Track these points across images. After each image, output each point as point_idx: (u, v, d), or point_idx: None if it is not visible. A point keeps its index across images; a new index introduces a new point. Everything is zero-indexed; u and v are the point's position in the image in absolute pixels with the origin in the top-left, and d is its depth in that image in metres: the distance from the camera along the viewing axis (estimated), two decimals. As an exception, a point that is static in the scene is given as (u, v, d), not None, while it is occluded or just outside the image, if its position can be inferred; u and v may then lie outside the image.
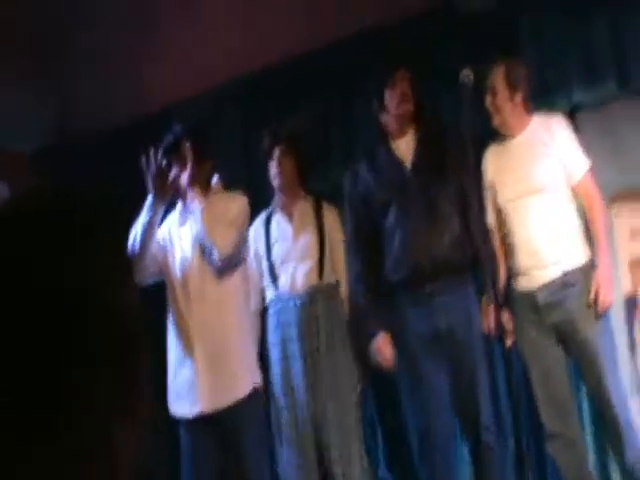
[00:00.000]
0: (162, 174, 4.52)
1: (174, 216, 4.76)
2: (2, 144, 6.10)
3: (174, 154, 4.57)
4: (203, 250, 4.59)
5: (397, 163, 5.04)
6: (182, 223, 4.71)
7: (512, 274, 5.04)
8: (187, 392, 4.60)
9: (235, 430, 4.57)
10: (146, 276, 4.55)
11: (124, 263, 1.18)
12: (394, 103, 4.99)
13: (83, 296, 1.06)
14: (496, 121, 5.03)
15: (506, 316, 4.93)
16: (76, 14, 5.74)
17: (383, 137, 5.11)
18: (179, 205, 4.73)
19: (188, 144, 4.56)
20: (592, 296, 4.77)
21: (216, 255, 4.54)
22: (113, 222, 1.17)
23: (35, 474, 1.00)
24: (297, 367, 5.19)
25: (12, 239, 1.08)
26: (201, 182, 4.66)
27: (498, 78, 4.99)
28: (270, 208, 5.45)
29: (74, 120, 6.39)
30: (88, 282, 1.07)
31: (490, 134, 5.11)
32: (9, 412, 1.01)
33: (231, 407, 4.56)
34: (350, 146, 5.92)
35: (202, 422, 4.56)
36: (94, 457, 1.04)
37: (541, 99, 5.21)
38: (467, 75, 4.47)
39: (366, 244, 5.06)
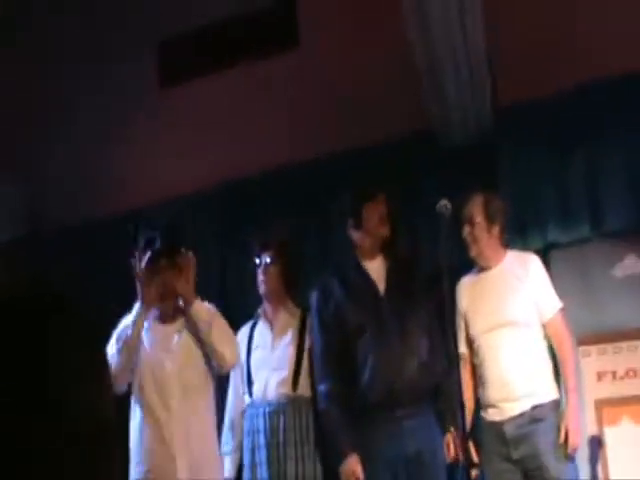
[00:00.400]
0: (152, 281, 4.53)
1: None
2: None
3: (165, 259, 4.58)
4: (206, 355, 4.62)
5: (370, 286, 5.06)
6: (161, 323, 4.71)
7: (482, 405, 5.02)
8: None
9: None
10: (124, 383, 4.51)
11: (100, 359, 1.16)
12: (373, 223, 5.05)
13: (58, 391, 1.05)
14: (473, 252, 5.08)
15: (472, 447, 4.90)
16: (47, 109, 5.77)
17: (354, 256, 5.14)
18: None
19: (191, 253, 4.61)
20: (562, 436, 4.75)
21: (226, 363, 4.63)
22: (90, 318, 1.16)
23: None
24: (263, 475, 5.10)
25: None
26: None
27: (477, 209, 5.04)
28: (255, 315, 5.42)
29: (44, 212, 6.38)
30: (63, 378, 1.06)
31: (465, 265, 5.18)
32: None
33: None
34: (323, 261, 5.95)
35: None
36: None
37: (516, 235, 5.30)
38: (444, 205, 4.51)
39: (337, 361, 5.02)
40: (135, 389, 4.60)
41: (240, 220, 6.01)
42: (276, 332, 5.32)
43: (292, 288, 5.39)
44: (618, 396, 5.33)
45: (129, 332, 4.48)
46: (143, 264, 4.48)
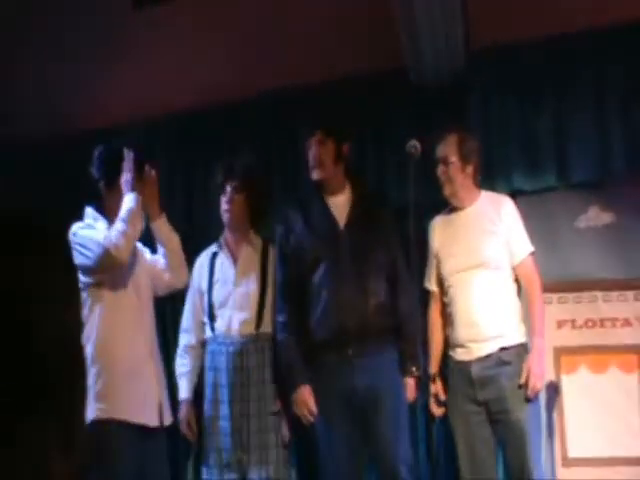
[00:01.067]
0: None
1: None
2: None
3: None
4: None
5: (331, 221, 5.00)
6: None
7: (450, 344, 5.02)
8: (146, 403, 4.58)
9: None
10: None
11: (70, 280, 1.17)
12: (309, 165, 5.02)
13: (29, 314, 1.06)
14: (447, 191, 5.02)
15: (439, 386, 4.97)
16: (28, 14, 5.65)
17: (318, 190, 5.07)
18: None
19: (153, 171, 4.67)
20: (523, 379, 4.76)
21: (184, 278, 4.96)
22: (61, 239, 1.20)
23: None
24: (225, 412, 5.06)
25: None
26: None
27: (451, 148, 5.00)
28: (217, 244, 5.30)
29: (10, 125, 6.15)
30: (36, 299, 1.07)
31: (436, 204, 5.16)
32: None
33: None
34: (288, 192, 5.88)
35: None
36: None
37: (482, 179, 5.26)
38: (413, 145, 4.54)
39: (294, 296, 5.00)
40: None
41: (209, 146, 5.87)
42: (239, 268, 5.21)
43: (257, 219, 5.27)
44: (576, 345, 5.39)
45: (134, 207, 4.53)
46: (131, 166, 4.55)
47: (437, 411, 5.02)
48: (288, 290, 5.03)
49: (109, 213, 4.57)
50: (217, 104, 5.84)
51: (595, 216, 5.62)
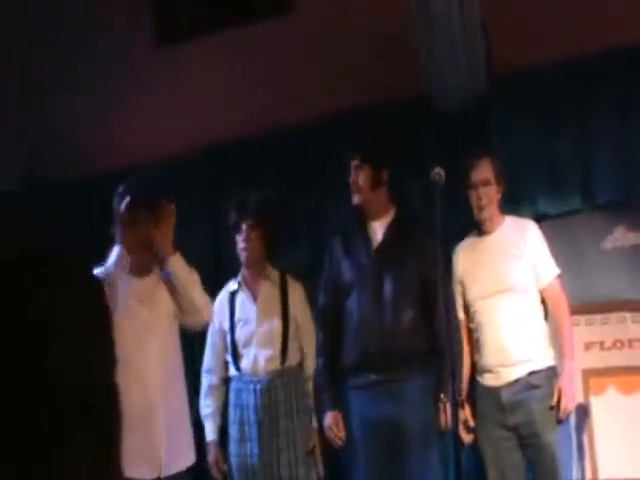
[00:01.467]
0: (131, 227, 4.46)
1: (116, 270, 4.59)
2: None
3: (144, 209, 4.46)
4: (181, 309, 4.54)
5: (367, 245, 5.12)
6: (135, 275, 4.58)
7: (478, 370, 5.10)
8: (146, 454, 4.39)
9: None
10: None
11: (106, 340, 1.15)
12: (351, 192, 5.14)
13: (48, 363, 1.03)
14: (485, 214, 5.09)
15: (468, 412, 5.04)
16: (45, 60, 5.79)
17: (359, 216, 5.20)
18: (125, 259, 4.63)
19: (172, 205, 4.53)
20: (555, 400, 4.86)
21: (204, 318, 4.64)
22: (97, 293, 1.15)
23: None
24: (254, 450, 5.16)
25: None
26: None
27: (488, 171, 5.08)
28: (235, 282, 5.37)
29: (40, 169, 6.36)
30: (54, 356, 1.04)
31: (459, 232, 5.24)
32: None
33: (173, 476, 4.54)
34: (317, 223, 6.00)
35: None
36: None
37: (506, 204, 5.34)
38: (438, 173, 4.58)
39: (330, 323, 5.14)
40: None
41: (230, 183, 5.98)
42: (260, 306, 5.30)
43: (273, 253, 5.36)
44: (605, 366, 5.44)
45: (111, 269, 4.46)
46: (123, 207, 4.42)
47: (466, 437, 5.08)
48: (326, 318, 5.18)
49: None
50: (237, 139, 5.99)
51: (622, 236, 5.67)
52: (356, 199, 5.11)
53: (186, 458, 4.64)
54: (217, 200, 5.85)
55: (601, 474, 5.28)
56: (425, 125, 5.76)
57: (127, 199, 4.46)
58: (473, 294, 5.13)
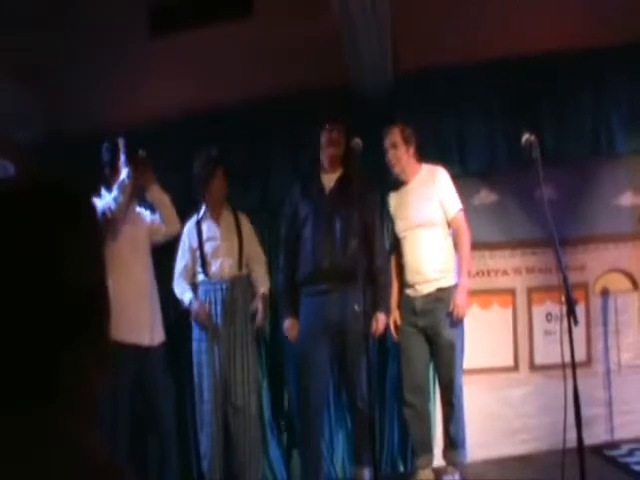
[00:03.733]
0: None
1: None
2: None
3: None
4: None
5: (320, 189, 6.40)
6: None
7: (403, 286, 6.36)
8: (142, 324, 6.19)
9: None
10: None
11: (99, 244, 1.32)
12: (324, 144, 6.44)
13: (62, 272, 1.20)
14: (396, 170, 6.36)
15: (397, 315, 6.36)
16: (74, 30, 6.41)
17: (317, 170, 6.51)
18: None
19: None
20: (451, 307, 6.08)
21: (177, 228, 6.65)
22: (92, 211, 1.33)
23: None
24: (217, 336, 6.55)
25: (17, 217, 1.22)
26: None
27: (396, 136, 6.33)
28: (200, 214, 6.75)
29: (61, 121, 7.25)
30: (71, 260, 1.21)
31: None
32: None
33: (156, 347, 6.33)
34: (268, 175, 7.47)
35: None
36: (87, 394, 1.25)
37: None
38: (357, 142, 5.69)
39: (289, 248, 6.44)
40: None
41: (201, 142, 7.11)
42: (222, 228, 6.72)
43: (229, 195, 6.83)
44: (469, 288, 6.63)
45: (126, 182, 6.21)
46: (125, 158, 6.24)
47: (395, 335, 6.37)
48: (286, 244, 6.48)
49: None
50: (211, 110, 7.36)
51: (485, 196, 7.46)
52: (334, 151, 6.39)
53: (162, 335, 6.42)
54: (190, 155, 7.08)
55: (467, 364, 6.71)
56: (350, 105, 7.15)
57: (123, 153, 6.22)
58: (398, 229, 6.38)
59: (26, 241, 1.19)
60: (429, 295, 6.25)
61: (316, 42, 6.67)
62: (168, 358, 6.62)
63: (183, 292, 6.69)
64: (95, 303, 1.26)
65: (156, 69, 6.97)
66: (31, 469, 1.13)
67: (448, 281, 6.26)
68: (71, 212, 1.27)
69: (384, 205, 6.64)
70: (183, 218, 6.77)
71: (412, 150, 6.42)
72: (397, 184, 6.56)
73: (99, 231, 1.34)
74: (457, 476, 6.20)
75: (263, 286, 6.76)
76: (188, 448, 7.25)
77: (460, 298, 6.15)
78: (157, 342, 6.32)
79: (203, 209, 6.81)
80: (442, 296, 6.21)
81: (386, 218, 6.72)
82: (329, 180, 6.49)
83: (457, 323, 6.17)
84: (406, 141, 6.38)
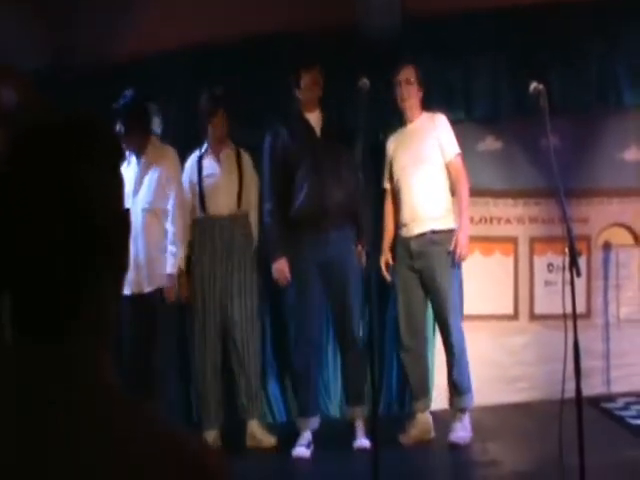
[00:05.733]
0: None
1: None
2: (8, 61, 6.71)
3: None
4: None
5: (310, 130, 6.41)
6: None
7: (398, 225, 6.35)
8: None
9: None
10: None
11: (118, 177, 1.32)
12: (309, 85, 6.39)
13: (88, 203, 1.22)
14: (405, 105, 6.35)
15: (389, 256, 6.36)
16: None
17: (297, 108, 6.49)
18: None
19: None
20: (452, 246, 6.07)
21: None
22: (113, 144, 1.34)
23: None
24: (217, 273, 6.56)
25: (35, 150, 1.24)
26: None
27: (411, 73, 6.34)
28: (202, 150, 6.68)
29: (65, 51, 7.15)
30: (93, 192, 1.23)
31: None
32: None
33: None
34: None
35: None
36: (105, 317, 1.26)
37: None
38: (365, 83, 5.56)
39: (278, 188, 6.40)
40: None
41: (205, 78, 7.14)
42: (222, 165, 6.66)
43: (231, 133, 6.75)
44: (472, 235, 6.71)
45: None
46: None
47: (387, 276, 6.38)
48: (275, 183, 6.43)
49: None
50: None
51: (490, 143, 7.42)
52: (319, 91, 6.43)
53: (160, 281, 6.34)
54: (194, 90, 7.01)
55: (467, 310, 6.95)
56: (355, 46, 7.13)
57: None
58: (396, 166, 6.36)
59: (53, 166, 1.22)
60: (423, 236, 6.24)
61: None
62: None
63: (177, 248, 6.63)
64: (116, 227, 1.28)
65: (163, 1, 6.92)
66: (49, 401, 1.15)
67: (444, 224, 6.25)
68: (98, 140, 1.29)
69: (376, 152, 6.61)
70: (185, 153, 6.74)
71: (420, 93, 6.46)
72: (396, 128, 6.58)
73: (121, 158, 1.35)
74: (465, 422, 6.22)
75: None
76: (188, 389, 7.24)
77: (463, 238, 6.17)
78: (149, 289, 6.32)
79: (205, 145, 6.76)
80: (437, 239, 6.21)
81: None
82: (314, 120, 6.51)
83: (458, 263, 6.22)
84: (419, 81, 6.42)
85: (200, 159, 6.73)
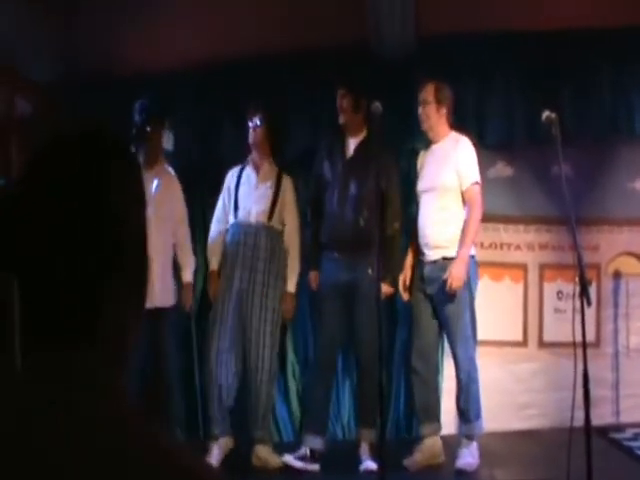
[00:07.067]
0: None
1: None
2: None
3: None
4: None
5: (342, 154, 6.49)
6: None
7: (418, 248, 6.28)
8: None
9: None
10: None
11: (141, 189, 1.33)
12: (338, 111, 6.45)
13: (117, 213, 1.24)
14: (424, 126, 6.26)
15: (407, 277, 6.36)
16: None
17: (342, 132, 6.52)
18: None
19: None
20: (446, 277, 5.92)
21: None
22: (131, 158, 1.35)
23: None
24: (237, 276, 6.56)
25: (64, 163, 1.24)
26: None
27: (429, 92, 6.22)
28: (244, 163, 6.75)
29: (77, 62, 7.11)
30: (122, 204, 1.25)
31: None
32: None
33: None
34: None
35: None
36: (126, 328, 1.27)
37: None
38: (377, 106, 5.62)
39: (315, 208, 6.61)
40: None
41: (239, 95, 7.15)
42: (260, 177, 6.69)
43: (275, 149, 6.75)
44: (482, 260, 6.76)
45: None
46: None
47: (405, 295, 6.38)
48: (313, 204, 6.65)
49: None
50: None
51: (501, 169, 7.40)
52: (343, 118, 6.42)
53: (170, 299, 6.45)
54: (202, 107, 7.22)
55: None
56: (368, 69, 7.11)
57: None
58: (417, 190, 6.33)
59: (75, 178, 1.22)
60: (435, 262, 6.18)
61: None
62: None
63: (212, 250, 6.79)
64: (136, 242, 1.28)
65: (179, 13, 6.96)
66: (59, 411, 1.14)
67: (455, 251, 6.10)
68: (119, 154, 1.30)
69: (405, 169, 6.66)
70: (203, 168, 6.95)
71: (444, 111, 6.30)
72: (428, 143, 6.49)
73: (141, 173, 1.35)
74: (472, 448, 6.15)
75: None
76: (194, 397, 7.24)
77: (456, 269, 5.99)
78: (162, 305, 6.30)
79: (248, 158, 6.82)
80: (448, 266, 6.06)
81: (407, 182, 6.68)
82: (352, 144, 6.55)
83: (451, 294, 6.04)
84: (438, 100, 6.27)
85: (241, 169, 6.81)
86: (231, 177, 6.81)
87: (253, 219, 6.64)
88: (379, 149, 5.97)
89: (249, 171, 6.78)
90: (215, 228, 6.81)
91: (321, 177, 6.60)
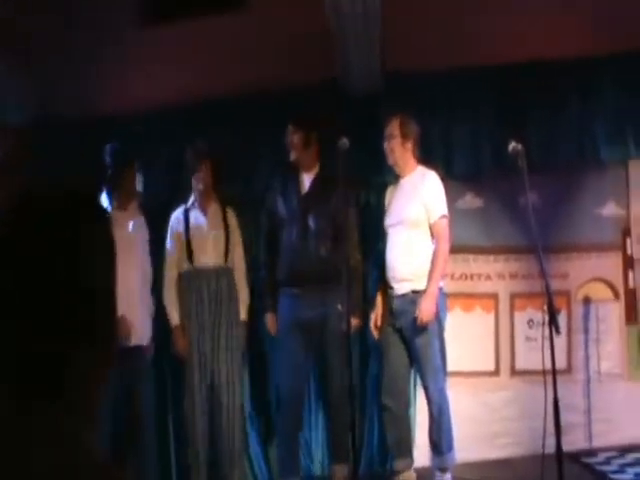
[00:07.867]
0: None
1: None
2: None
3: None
4: None
5: (296, 192, 6.48)
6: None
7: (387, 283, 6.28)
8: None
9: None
10: None
11: (110, 250, 1.33)
12: (288, 147, 6.50)
13: (77, 278, 1.24)
14: (390, 160, 6.32)
15: (378, 314, 6.35)
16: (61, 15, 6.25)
17: (295, 168, 6.54)
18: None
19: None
20: (417, 312, 5.97)
21: None
22: (103, 215, 1.35)
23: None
24: (201, 322, 6.59)
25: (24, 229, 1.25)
26: None
27: (394, 127, 6.26)
28: (188, 204, 6.74)
29: (49, 106, 7.12)
30: (83, 267, 1.25)
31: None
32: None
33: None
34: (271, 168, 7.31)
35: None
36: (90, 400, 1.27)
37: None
38: (344, 143, 5.70)
39: (269, 247, 6.55)
40: None
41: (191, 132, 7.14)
42: (210, 219, 6.71)
43: (217, 188, 6.81)
44: (453, 291, 6.97)
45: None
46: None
47: (375, 332, 6.38)
48: (267, 242, 6.57)
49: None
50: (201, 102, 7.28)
51: (470, 200, 7.45)
52: (293, 155, 6.48)
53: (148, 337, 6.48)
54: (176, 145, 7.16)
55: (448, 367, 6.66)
56: (335, 104, 7.15)
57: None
58: (385, 224, 6.37)
59: (46, 243, 1.23)
60: (404, 296, 6.20)
61: (305, 38, 6.60)
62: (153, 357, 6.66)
63: (170, 303, 6.73)
64: (104, 305, 1.29)
65: (145, 58, 6.90)
66: (29, 467, 1.14)
67: (424, 284, 6.14)
68: (89, 216, 1.32)
69: (375, 203, 6.70)
70: (170, 208, 6.88)
71: (409, 145, 6.35)
72: (397, 178, 6.54)
73: (112, 235, 1.36)
74: None
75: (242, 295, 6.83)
76: (168, 446, 7.21)
77: (426, 303, 6.02)
78: (141, 343, 6.34)
79: (191, 199, 6.81)
80: (417, 299, 6.10)
81: (377, 216, 6.70)
82: (306, 179, 6.57)
83: (420, 328, 6.06)
84: (403, 134, 6.31)
85: (186, 212, 6.77)
86: (176, 222, 6.80)
87: (211, 263, 6.67)
88: (337, 183, 5.88)
89: (197, 214, 6.80)
90: (170, 275, 6.76)
91: (275, 214, 6.58)
